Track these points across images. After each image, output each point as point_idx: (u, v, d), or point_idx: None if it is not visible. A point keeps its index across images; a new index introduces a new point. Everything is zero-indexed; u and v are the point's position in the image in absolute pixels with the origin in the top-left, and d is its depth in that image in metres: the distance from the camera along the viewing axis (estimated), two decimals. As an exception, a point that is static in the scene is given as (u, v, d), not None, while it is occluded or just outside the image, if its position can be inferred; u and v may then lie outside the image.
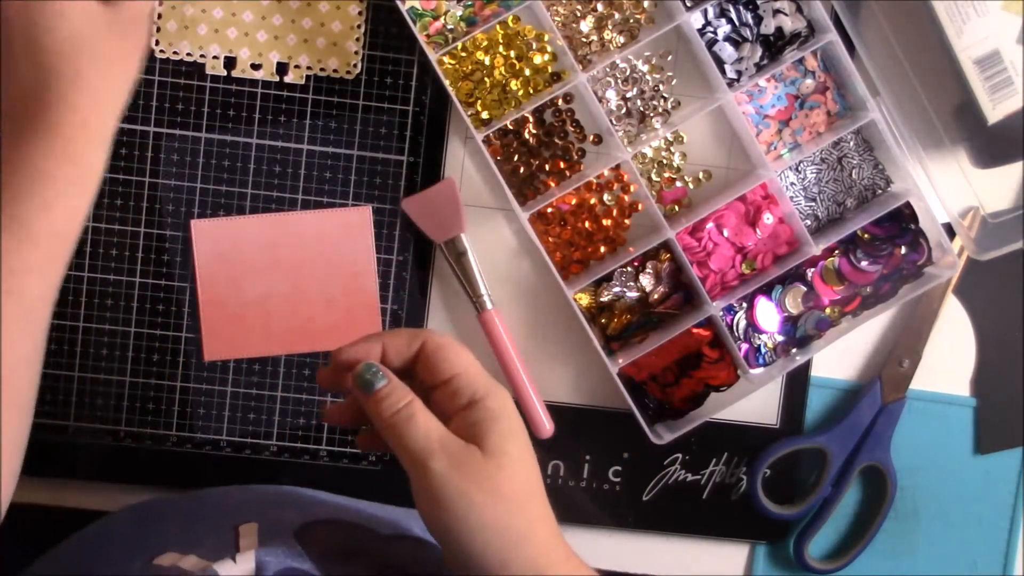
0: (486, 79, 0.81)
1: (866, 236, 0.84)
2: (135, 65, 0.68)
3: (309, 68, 0.81)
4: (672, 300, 0.84)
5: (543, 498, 0.64)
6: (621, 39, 0.82)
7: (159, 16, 0.79)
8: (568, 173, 0.83)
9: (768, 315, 0.84)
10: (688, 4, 0.81)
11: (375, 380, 0.62)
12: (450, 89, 0.80)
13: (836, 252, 0.84)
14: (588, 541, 0.86)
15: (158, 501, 0.79)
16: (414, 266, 0.83)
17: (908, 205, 0.83)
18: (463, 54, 0.81)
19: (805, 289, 0.84)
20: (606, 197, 0.83)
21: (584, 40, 0.82)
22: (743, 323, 0.84)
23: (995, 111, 0.81)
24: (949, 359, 0.88)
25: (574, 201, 0.83)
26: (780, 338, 0.84)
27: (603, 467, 0.86)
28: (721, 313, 0.82)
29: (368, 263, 0.82)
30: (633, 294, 0.84)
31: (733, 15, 0.81)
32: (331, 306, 0.82)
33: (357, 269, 0.82)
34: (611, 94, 0.82)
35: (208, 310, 0.81)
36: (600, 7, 0.82)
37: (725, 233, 0.83)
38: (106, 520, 0.76)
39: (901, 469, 0.88)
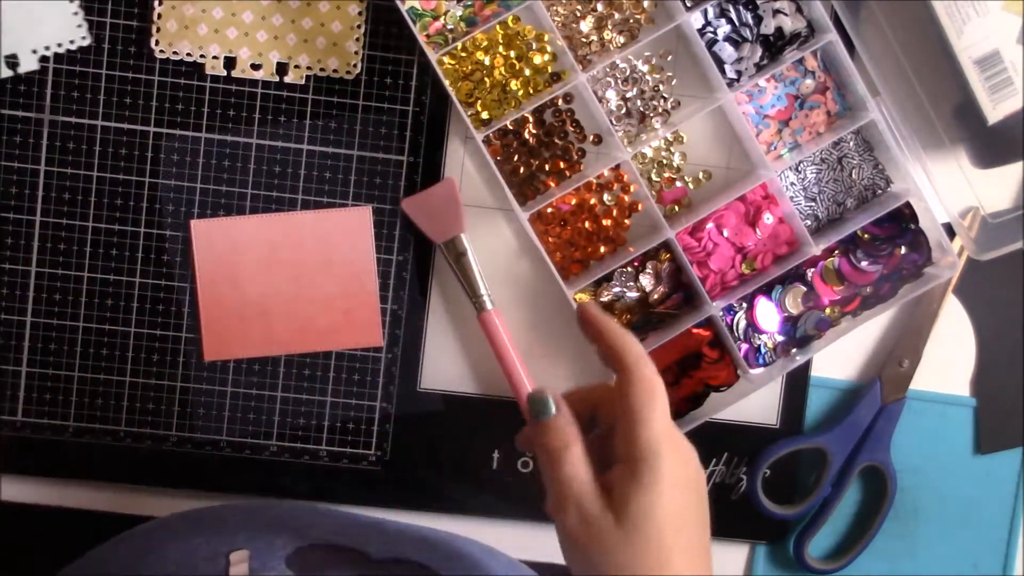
0: (486, 79, 0.81)
1: (866, 236, 0.84)
2: None
3: (309, 68, 0.81)
4: (672, 300, 0.84)
5: (696, 565, 0.62)
6: (621, 39, 0.82)
7: (159, 16, 0.79)
8: (568, 173, 0.83)
9: (768, 315, 0.84)
10: (688, 4, 0.81)
11: (545, 411, 0.65)
12: (450, 89, 0.80)
13: (836, 252, 0.84)
14: (588, 541, 0.86)
15: (158, 526, 0.79)
16: (414, 266, 0.83)
17: (908, 205, 0.83)
18: (463, 54, 0.81)
19: (805, 289, 0.84)
20: (606, 197, 0.83)
21: (584, 40, 0.82)
22: (743, 323, 0.84)
23: (995, 111, 0.81)
24: (949, 359, 0.88)
25: (574, 201, 0.83)
26: (780, 338, 0.84)
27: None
28: (721, 313, 0.82)
29: (368, 263, 0.82)
30: (633, 294, 0.84)
31: (733, 15, 0.81)
32: (331, 306, 0.82)
33: (357, 269, 0.82)
34: (611, 94, 0.82)
35: (208, 310, 0.81)
36: (600, 7, 0.82)
37: (725, 233, 0.83)
38: (112, 544, 0.76)
39: (901, 469, 0.88)
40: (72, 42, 0.77)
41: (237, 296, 0.81)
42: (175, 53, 0.80)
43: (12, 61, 0.77)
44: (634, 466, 0.61)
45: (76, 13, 0.77)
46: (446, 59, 0.80)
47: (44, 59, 0.78)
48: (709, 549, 0.64)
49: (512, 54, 0.81)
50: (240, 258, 0.81)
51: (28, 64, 0.77)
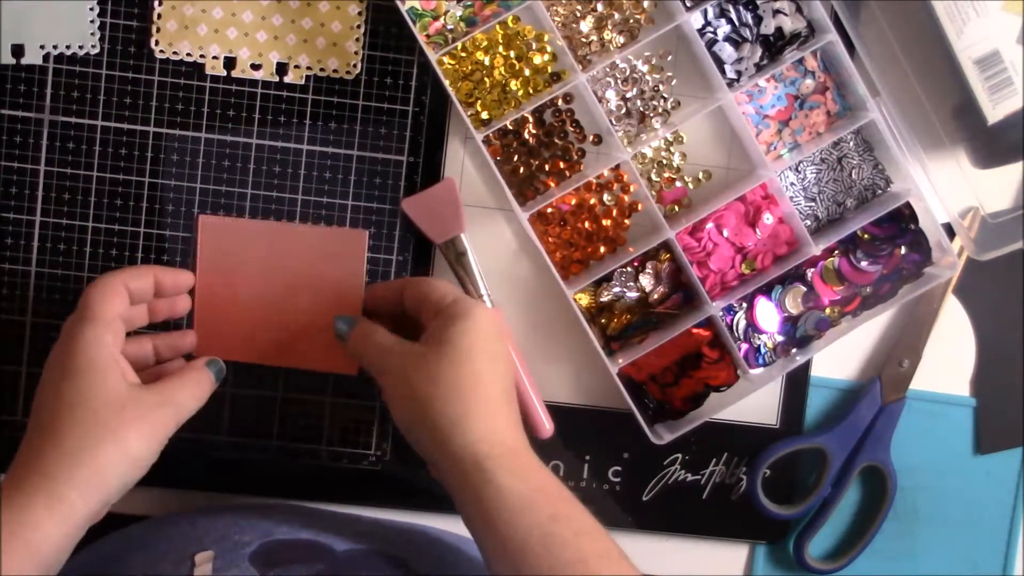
0: (486, 79, 0.81)
1: (866, 236, 0.84)
2: (147, 452, 0.68)
3: (309, 68, 0.81)
4: (672, 300, 0.84)
5: (496, 390, 0.67)
6: (621, 39, 0.82)
7: (159, 16, 0.79)
8: (568, 173, 0.83)
9: (768, 315, 0.84)
10: (688, 4, 0.81)
11: (347, 327, 0.74)
12: (450, 89, 0.80)
13: (836, 252, 0.84)
14: (588, 541, 0.86)
15: (123, 535, 0.78)
16: (414, 266, 0.83)
17: (908, 205, 0.83)
18: (463, 54, 0.81)
19: (805, 289, 0.84)
20: (606, 197, 0.83)
21: (584, 40, 0.82)
22: (743, 323, 0.84)
23: (995, 111, 0.81)
24: (949, 359, 0.88)
25: (574, 201, 0.83)
26: (780, 338, 0.84)
27: (603, 467, 0.86)
28: (721, 313, 0.82)
29: (356, 287, 0.81)
30: (633, 294, 0.84)
31: (733, 15, 0.81)
32: (312, 324, 0.80)
33: (343, 290, 0.81)
34: (611, 94, 0.83)
35: (202, 308, 0.80)
36: (600, 7, 0.82)
37: (725, 233, 0.83)
38: (78, 555, 0.75)
39: (901, 469, 0.88)
40: (81, 47, 0.78)
41: (230, 296, 0.81)
42: (175, 53, 0.80)
43: (17, 50, 0.77)
44: (446, 310, 0.69)
45: (92, 21, 0.77)
46: (446, 59, 0.80)
47: (47, 57, 0.78)
48: (519, 415, 0.69)
49: (512, 54, 0.81)
50: (240, 259, 0.81)
51: (32, 58, 0.77)
